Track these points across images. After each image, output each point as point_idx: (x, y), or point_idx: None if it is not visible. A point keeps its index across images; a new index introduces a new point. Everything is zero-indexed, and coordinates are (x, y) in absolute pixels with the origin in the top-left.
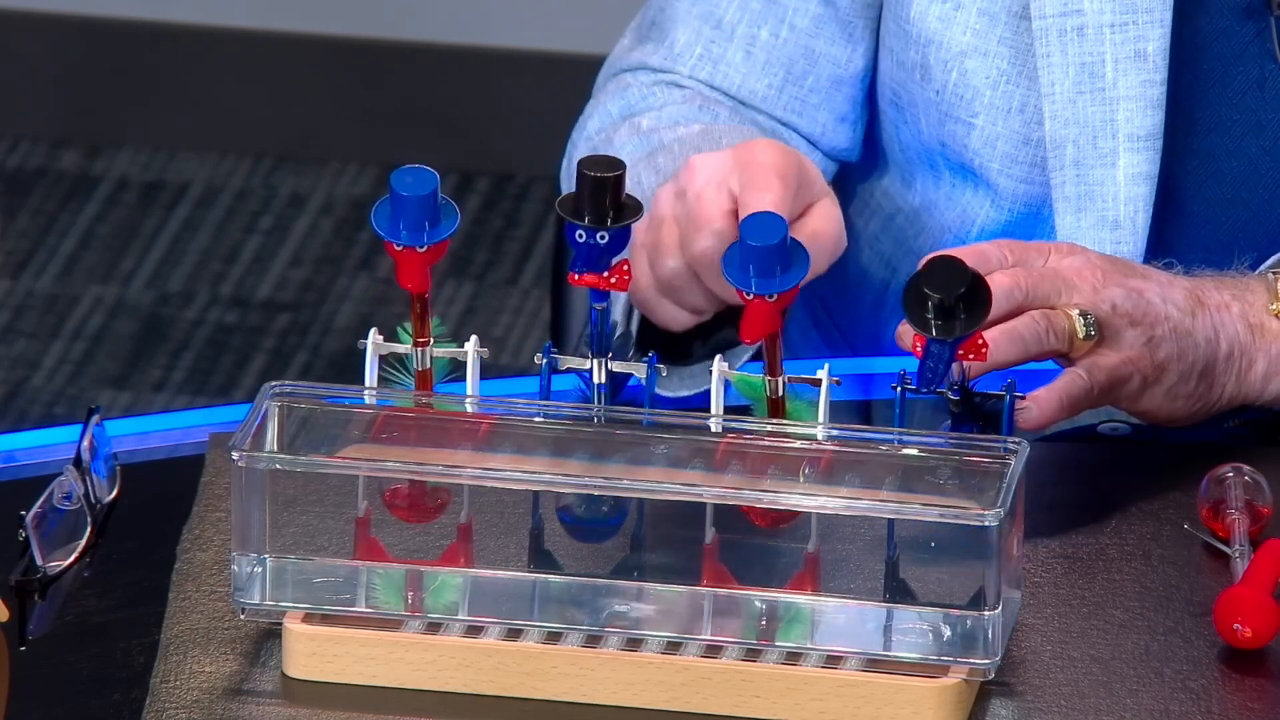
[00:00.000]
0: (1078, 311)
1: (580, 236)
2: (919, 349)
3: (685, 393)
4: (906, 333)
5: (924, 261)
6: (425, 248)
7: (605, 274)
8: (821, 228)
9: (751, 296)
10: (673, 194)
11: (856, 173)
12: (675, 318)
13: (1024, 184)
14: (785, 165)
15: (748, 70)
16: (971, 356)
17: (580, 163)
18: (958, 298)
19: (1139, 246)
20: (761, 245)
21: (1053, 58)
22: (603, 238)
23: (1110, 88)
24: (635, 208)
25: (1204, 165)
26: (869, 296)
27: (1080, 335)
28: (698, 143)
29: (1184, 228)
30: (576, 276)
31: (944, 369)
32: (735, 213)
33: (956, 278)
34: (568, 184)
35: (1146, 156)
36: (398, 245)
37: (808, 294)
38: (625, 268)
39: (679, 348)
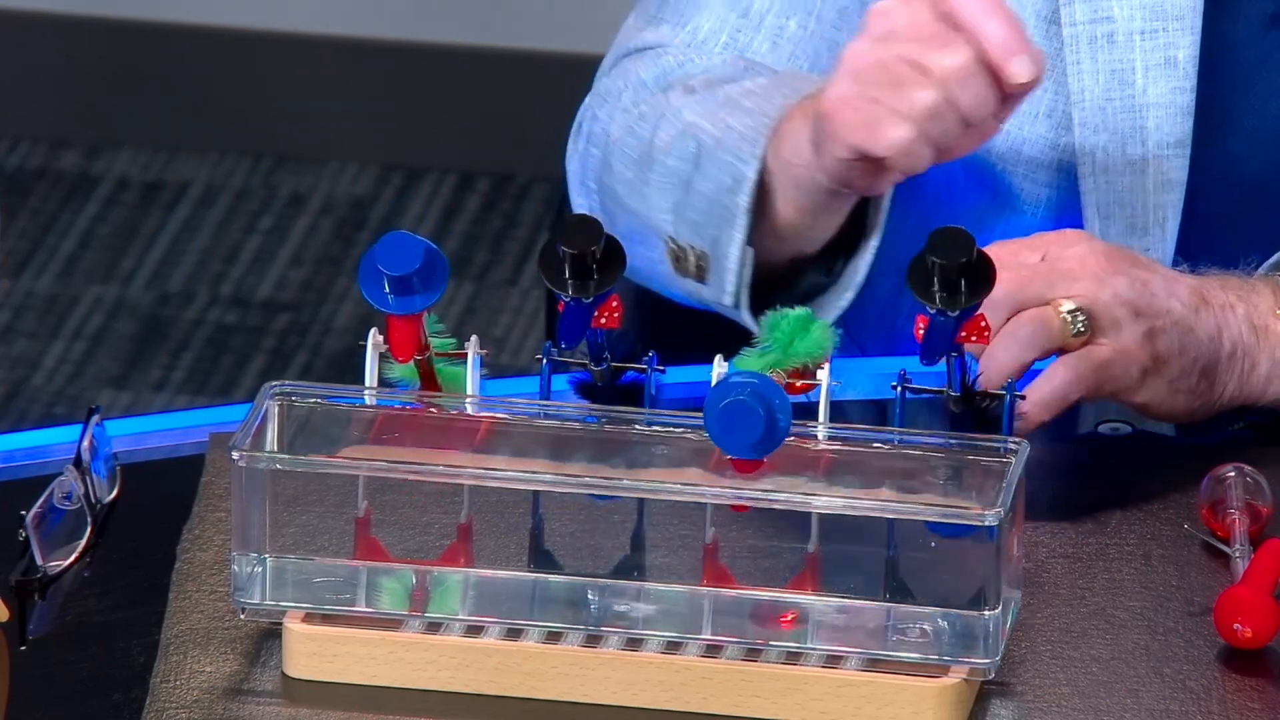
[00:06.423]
0: (1067, 308)
1: (568, 300)
2: (920, 330)
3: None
4: None
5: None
6: (415, 314)
7: (594, 316)
8: None
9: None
10: (868, 42)
11: None
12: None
13: (1049, 189)
14: None
15: (773, 61)
16: (974, 338)
17: (556, 236)
18: (961, 267)
19: (1168, 254)
20: None
21: (1082, 64)
22: (588, 299)
23: (1140, 95)
24: (619, 263)
25: (1224, 172)
26: (881, 299)
27: (1070, 333)
28: (781, 83)
29: (1200, 233)
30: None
31: (945, 344)
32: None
33: (961, 247)
34: (575, 167)
35: (1176, 164)
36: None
37: None
38: (614, 303)
39: (678, 340)
